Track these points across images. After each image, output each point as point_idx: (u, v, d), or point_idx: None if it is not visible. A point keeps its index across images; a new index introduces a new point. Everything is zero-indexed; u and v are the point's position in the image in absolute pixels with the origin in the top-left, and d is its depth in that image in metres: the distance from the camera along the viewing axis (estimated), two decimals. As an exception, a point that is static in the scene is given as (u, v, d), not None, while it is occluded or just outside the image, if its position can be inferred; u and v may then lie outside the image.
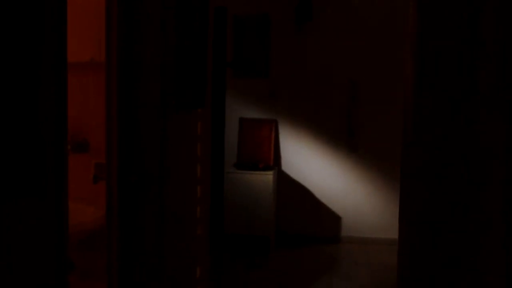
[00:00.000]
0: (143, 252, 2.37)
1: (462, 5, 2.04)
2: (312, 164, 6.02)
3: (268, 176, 5.68)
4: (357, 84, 5.88)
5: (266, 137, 6.01)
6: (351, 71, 5.89)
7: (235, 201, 5.64)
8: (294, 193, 6.06)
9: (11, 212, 1.47)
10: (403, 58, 2.35)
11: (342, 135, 5.98)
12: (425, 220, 2.13)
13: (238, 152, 6.04)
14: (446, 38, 2.07)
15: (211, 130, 4.95)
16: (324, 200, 6.02)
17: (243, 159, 5.97)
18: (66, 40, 1.57)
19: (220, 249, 5.13)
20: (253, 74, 6.03)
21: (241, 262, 5.34)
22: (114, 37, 2.14)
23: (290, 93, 6.02)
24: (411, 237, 2.19)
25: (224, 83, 5.40)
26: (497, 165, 1.97)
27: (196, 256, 3.14)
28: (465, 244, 2.05)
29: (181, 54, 2.61)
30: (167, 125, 2.42)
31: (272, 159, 5.96)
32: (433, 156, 2.09)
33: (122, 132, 2.19)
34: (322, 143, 6.01)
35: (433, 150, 2.09)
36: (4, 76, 1.33)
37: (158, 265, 2.41)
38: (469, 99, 2.04)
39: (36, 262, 1.61)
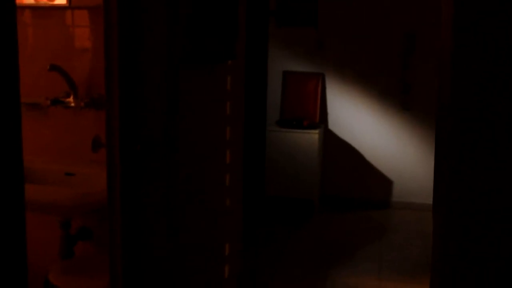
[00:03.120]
0: (151, 231, 2.02)
1: None
2: (362, 122, 5.53)
3: (313, 135, 5.26)
4: (414, 36, 5.30)
5: (311, 92, 5.54)
6: (408, 22, 5.31)
7: (277, 162, 5.26)
8: (341, 153, 5.61)
9: None
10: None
11: (395, 91, 5.44)
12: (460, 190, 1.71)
13: (281, 108, 5.61)
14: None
15: (249, 85, 4.54)
16: (373, 162, 5.55)
17: (286, 116, 5.55)
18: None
19: (256, 219, 4.79)
20: (300, 23, 5.52)
21: (281, 226, 4.98)
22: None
23: (339, 44, 5.49)
24: (446, 208, 1.77)
25: (265, 33, 4.96)
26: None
27: (224, 232, 2.78)
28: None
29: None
30: (179, 81, 2.02)
31: (318, 117, 5.51)
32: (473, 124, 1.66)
33: (124, 91, 1.80)
34: (373, 100, 5.50)
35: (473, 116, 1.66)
36: None
37: (170, 248, 2.06)
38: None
39: None
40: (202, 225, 2.50)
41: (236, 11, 2.66)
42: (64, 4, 2.83)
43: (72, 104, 2.86)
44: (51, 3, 2.84)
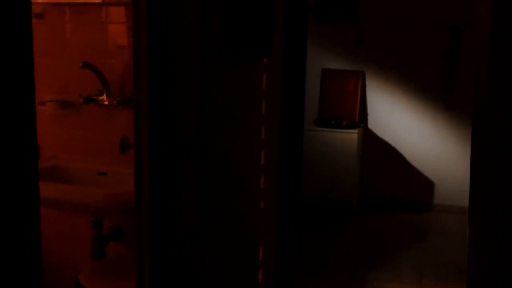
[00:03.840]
0: (180, 236, 1.94)
1: None
2: (403, 122, 5.35)
3: (353, 135, 5.11)
4: (460, 30, 5.09)
5: (351, 90, 5.40)
6: (453, 15, 5.10)
7: (314, 162, 5.13)
8: (380, 154, 5.45)
9: None
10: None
11: (439, 89, 5.25)
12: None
13: (320, 107, 5.48)
14: None
15: (286, 83, 4.43)
16: (415, 163, 5.37)
17: (324, 115, 5.41)
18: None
19: (293, 221, 4.68)
20: (339, 19, 5.38)
21: (318, 229, 4.86)
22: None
23: (380, 41, 5.32)
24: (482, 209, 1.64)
25: (304, 30, 4.84)
26: None
27: (257, 236, 2.68)
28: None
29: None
30: (212, 79, 1.93)
31: (357, 116, 5.36)
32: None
33: (153, 90, 1.72)
34: (416, 99, 5.31)
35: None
36: None
37: (201, 252, 1.97)
38: None
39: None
40: (235, 229, 2.41)
41: (272, 7, 2.56)
42: (99, 1, 2.78)
43: (106, 103, 2.81)
44: (87, 0, 2.80)
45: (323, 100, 5.47)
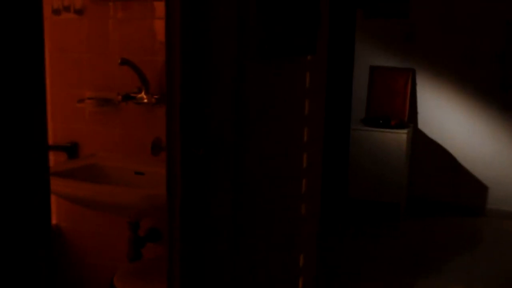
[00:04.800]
0: (215, 244, 1.83)
1: None
2: (455, 122, 5.11)
3: (402, 135, 4.92)
4: (517, 26, 4.83)
5: (400, 88, 5.19)
6: (509, 9, 4.83)
7: (361, 163, 4.97)
8: (431, 155, 5.23)
9: None
10: None
11: (494, 88, 4.99)
12: None
13: (367, 106, 5.30)
14: None
15: (333, 81, 4.28)
16: (467, 165, 5.12)
17: (372, 114, 5.23)
18: None
19: (337, 224, 4.54)
20: (389, 14, 5.18)
21: (364, 232, 4.69)
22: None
23: (432, 37, 5.10)
24: None
25: (352, 26, 4.68)
26: None
27: (298, 242, 2.55)
28: None
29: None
30: (250, 77, 1.81)
31: (406, 115, 5.16)
32: None
33: (186, 89, 1.61)
34: (469, 98, 5.07)
35: None
36: None
37: (237, 259, 1.86)
38: None
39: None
40: (273, 235, 2.30)
41: (318, 0, 2.42)
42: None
43: (145, 100, 2.73)
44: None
45: (371, 99, 5.29)
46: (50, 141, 2.96)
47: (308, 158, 2.54)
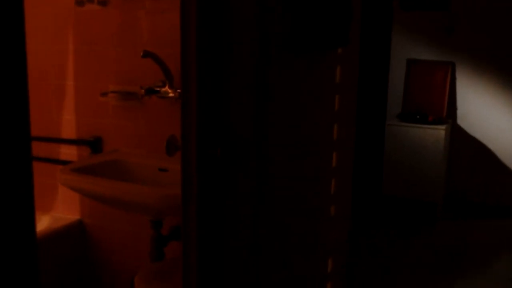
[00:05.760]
0: (234, 252, 1.71)
1: None
2: (497, 118, 4.88)
3: (439, 131, 4.72)
4: None
5: (439, 83, 4.99)
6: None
7: (396, 159, 4.79)
8: (471, 152, 5.01)
9: None
10: None
11: (539, 83, 4.75)
12: None
13: (404, 101, 5.10)
14: None
15: (367, 75, 4.12)
16: (509, 163, 4.89)
17: (409, 109, 5.04)
18: None
19: (369, 223, 4.38)
20: (428, 6, 4.96)
21: (398, 231, 4.52)
22: None
23: (473, 29, 4.87)
24: None
25: (389, 18, 4.50)
26: None
27: (326, 245, 2.42)
28: None
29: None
30: (274, 72, 1.68)
31: (445, 111, 4.95)
32: None
33: (203, 84, 1.50)
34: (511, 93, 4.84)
35: None
36: None
37: (259, 266, 1.75)
38: None
39: None
40: (298, 238, 2.17)
41: (350, -11, 2.28)
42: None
43: (171, 95, 2.63)
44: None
45: (408, 93, 5.09)
46: (74, 135, 2.91)
47: (338, 157, 2.41)
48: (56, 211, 3.03)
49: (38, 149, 2.98)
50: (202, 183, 1.51)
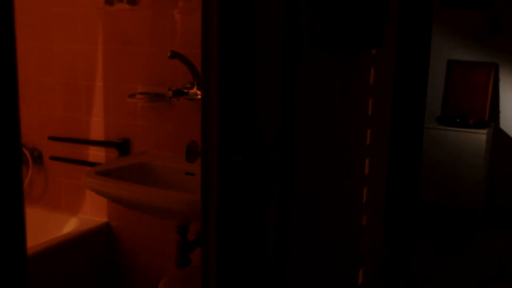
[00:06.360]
0: (258, 266, 1.62)
1: None
2: (543, 122, 4.67)
3: (481, 135, 4.53)
4: None
5: (481, 85, 4.79)
6: None
7: (435, 164, 4.62)
8: (514, 158, 4.80)
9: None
10: None
11: None
12: None
13: (443, 103, 4.92)
14: None
15: (405, 76, 3.98)
16: (555, 170, 4.67)
17: (449, 112, 4.86)
18: None
19: (406, 230, 4.22)
20: (470, 4, 4.77)
21: (435, 240, 4.35)
22: None
23: (518, 29, 4.66)
24: None
25: (429, 16, 4.34)
26: None
27: (357, 256, 2.31)
28: None
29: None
30: (301, 74, 1.58)
31: (487, 114, 4.75)
32: None
33: (224, 86, 1.41)
34: (559, 96, 4.62)
35: None
36: None
37: (284, 281, 1.65)
38: None
39: None
40: (326, 250, 2.06)
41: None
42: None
43: (199, 96, 2.56)
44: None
45: (448, 95, 4.91)
46: (103, 136, 2.87)
47: (371, 163, 2.29)
48: (84, 213, 3.00)
49: (67, 150, 2.96)
50: (222, 192, 1.43)
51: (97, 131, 2.87)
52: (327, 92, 1.90)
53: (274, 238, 1.63)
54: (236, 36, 1.43)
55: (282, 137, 1.57)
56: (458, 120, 4.66)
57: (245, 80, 1.47)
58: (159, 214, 2.52)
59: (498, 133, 4.82)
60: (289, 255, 1.73)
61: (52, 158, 3.02)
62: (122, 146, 2.81)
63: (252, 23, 1.46)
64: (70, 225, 2.98)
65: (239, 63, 1.45)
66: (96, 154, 2.90)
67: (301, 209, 1.77)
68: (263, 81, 1.53)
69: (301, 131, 1.68)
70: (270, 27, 1.52)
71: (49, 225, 3.07)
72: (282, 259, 1.69)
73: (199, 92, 2.55)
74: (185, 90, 2.57)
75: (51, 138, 2.99)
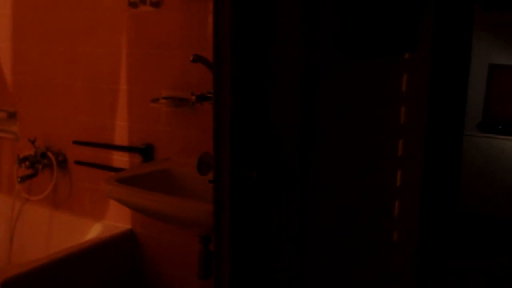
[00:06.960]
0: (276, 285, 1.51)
1: None
2: None
3: (524, 143, 4.34)
4: None
5: (525, 90, 4.58)
6: None
7: (475, 173, 4.45)
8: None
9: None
10: None
11: None
12: None
13: (485, 109, 4.73)
14: None
15: (439, 82, 3.81)
16: None
17: (490, 119, 4.67)
18: None
19: (444, 244, 4.04)
20: (515, 6, 4.56)
21: (476, 253, 4.15)
22: None
23: None
24: None
25: (470, 19, 4.16)
26: None
27: (388, 276, 2.17)
28: None
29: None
30: (323, 81, 1.46)
31: (532, 121, 4.55)
32: None
33: (238, 96, 1.31)
34: None
35: None
36: None
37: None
38: None
39: None
40: (352, 271, 1.93)
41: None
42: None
43: (223, 101, 2.47)
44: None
45: (490, 101, 4.72)
46: (127, 141, 2.80)
47: (403, 176, 2.15)
48: (108, 219, 2.95)
49: (91, 154, 2.91)
50: (236, 209, 1.32)
51: (121, 136, 2.81)
52: (352, 102, 1.77)
53: (293, 260, 1.52)
54: (249, 39, 1.33)
55: (301, 151, 1.45)
56: (500, 127, 4.51)
57: (260, 87, 1.37)
58: (178, 224, 2.44)
59: (543, 141, 4.61)
60: (310, 278, 1.61)
61: (77, 162, 2.97)
62: (146, 152, 2.74)
63: (266, 26, 1.35)
64: (93, 231, 2.93)
65: (253, 69, 1.34)
66: (120, 159, 2.84)
67: (322, 229, 1.65)
68: (280, 89, 1.42)
69: (322, 144, 1.56)
70: (289, 34, 1.41)
71: (73, 230, 3.04)
72: (302, 282, 1.57)
73: (223, 97, 2.45)
74: (209, 95, 2.48)
75: (76, 142, 2.95)
